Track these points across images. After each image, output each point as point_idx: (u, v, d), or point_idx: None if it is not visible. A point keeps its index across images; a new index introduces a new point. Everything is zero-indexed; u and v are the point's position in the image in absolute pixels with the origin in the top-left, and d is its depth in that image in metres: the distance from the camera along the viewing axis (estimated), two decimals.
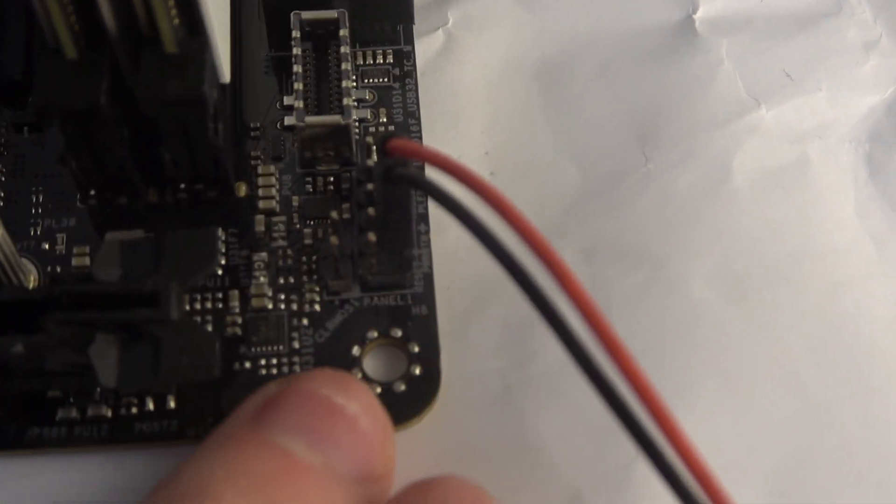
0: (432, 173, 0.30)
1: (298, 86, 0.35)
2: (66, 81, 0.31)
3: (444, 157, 0.29)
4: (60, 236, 0.35)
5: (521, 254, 0.28)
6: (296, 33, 0.36)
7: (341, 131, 0.35)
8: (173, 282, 0.31)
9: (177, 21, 0.31)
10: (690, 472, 0.27)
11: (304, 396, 0.29)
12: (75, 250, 0.35)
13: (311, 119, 0.34)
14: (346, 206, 0.35)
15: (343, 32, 0.36)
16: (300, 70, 0.35)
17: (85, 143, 0.33)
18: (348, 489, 0.28)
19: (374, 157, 0.35)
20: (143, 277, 0.31)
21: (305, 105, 0.35)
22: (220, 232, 0.32)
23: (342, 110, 0.35)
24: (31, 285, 0.34)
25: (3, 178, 0.36)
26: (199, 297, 0.34)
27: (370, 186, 0.33)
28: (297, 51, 0.35)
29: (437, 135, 0.37)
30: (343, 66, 0.35)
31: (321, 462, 0.28)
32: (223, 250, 0.34)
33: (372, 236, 0.33)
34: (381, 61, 0.38)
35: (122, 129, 0.33)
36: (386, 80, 0.38)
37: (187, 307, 0.34)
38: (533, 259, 0.28)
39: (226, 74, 0.34)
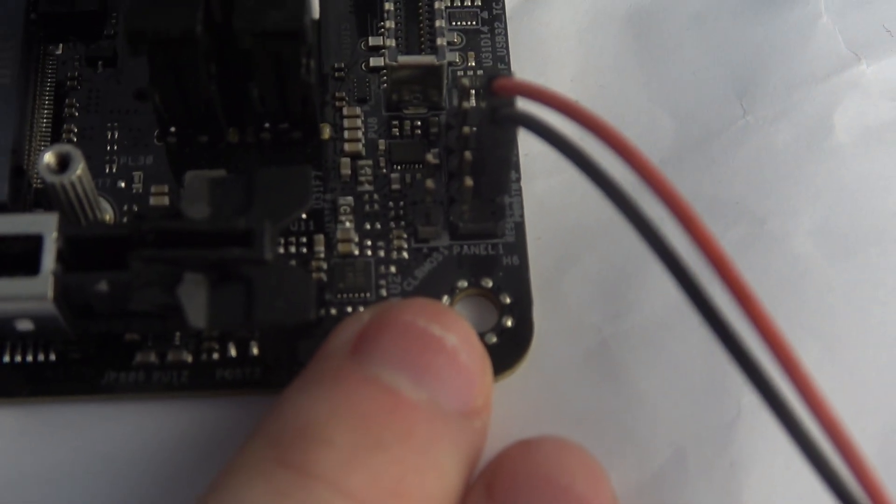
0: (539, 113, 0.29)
1: (389, 24, 0.34)
2: (161, 8, 0.30)
3: (556, 94, 0.28)
4: (137, 174, 0.34)
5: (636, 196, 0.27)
6: None
7: (434, 73, 0.34)
8: (266, 221, 0.29)
9: None
10: (818, 419, 0.25)
11: (402, 328, 0.28)
12: (153, 189, 0.34)
13: (404, 59, 0.33)
14: (434, 150, 0.34)
15: None
16: (391, 7, 0.34)
17: (172, 75, 0.32)
18: (453, 424, 0.28)
19: (466, 100, 0.33)
20: (234, 216, 0.30)
21: (396, 44, 0.33)
22: (310, 171, 0.31)
23: (435, 51, 0.33)
24: None
25: (77, 114, 0.35)
26: (282, 240, 0.33)
27: (465, 130, 0.32)
28: None
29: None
30: (436, 4, 0.34)
31: (426, 398, 0.27)
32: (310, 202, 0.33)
33: (468, 181, 0.31)
34: (470, 3, 0.37)
35: (211, 62, 0.31)
36: (474, 23, 0.36)
37: None
38: (649, 202, 0.26)
39: (316, 10, 0.32)
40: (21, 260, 0.29)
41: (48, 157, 0.30)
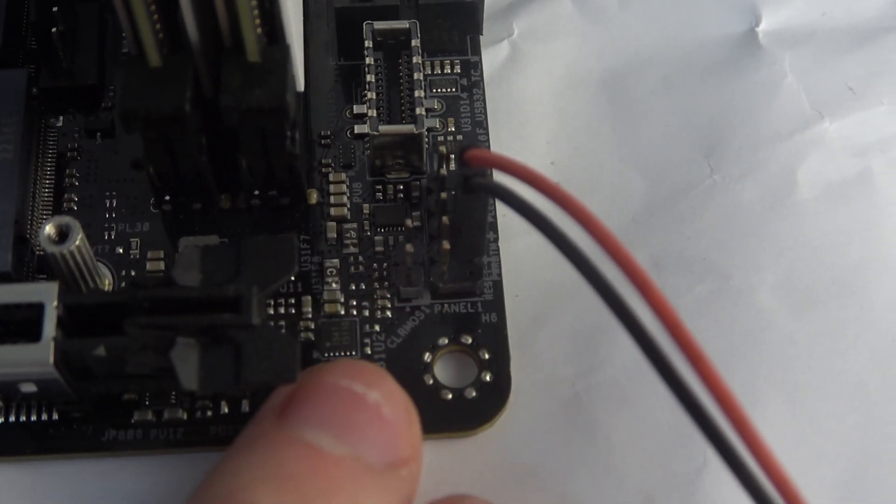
0: (507, 181, 0.31)
1: (371, 95, 0.35)
2: (151, 88, 0.32)
3: (523, 166, 0.30)
4: (134, 241, 0.36)
5: (598, 261, 0.28)
6: (368, 43, 0.36)
7: (413, 140, 0.35)
8: (254, 287, 0.31)
9: (259, 30, 0.31)
10: (767, 474, 0.27)
11: (324, 389, 0.30)
12: (149, 255, 0.35)
13: (384, 128, 0.35)
14: (416, 213, 0.35)
15: (415, 43, 0.36)
16: (373, 79, 0.36)
17: (164, 148, 0.33)
18: (378, 476, 0.29)
19: (444, 166, 0.35)
20: (223, 283, 0.31)
21: (378, 114, 0.35)
22: (294, 240, 0.33)
23: (414, 119, 0.35)
24: (106, 289, 0.35)
25: (77, 183, 0.37)
26: (272, 302, 0.34)
27: (443, 195, 0.34)
28: (369, 60, 0.36)
29: (503, 145, 0.37)
30: (415, 75, 0.35)
31: (350, 454, 0.29)
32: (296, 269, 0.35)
33: (446, 244, 0.33)
34: (450, 71, 0.38)
35: (201, 135, 0.33)
36: (454, 89, 0.38)
37: None
38: (611, 266, 0.28)
39: (301, 83, 0.34)
40: (23, 327, 0.31)
41: (48, 229, 0.32)
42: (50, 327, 0.31)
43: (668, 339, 0.27)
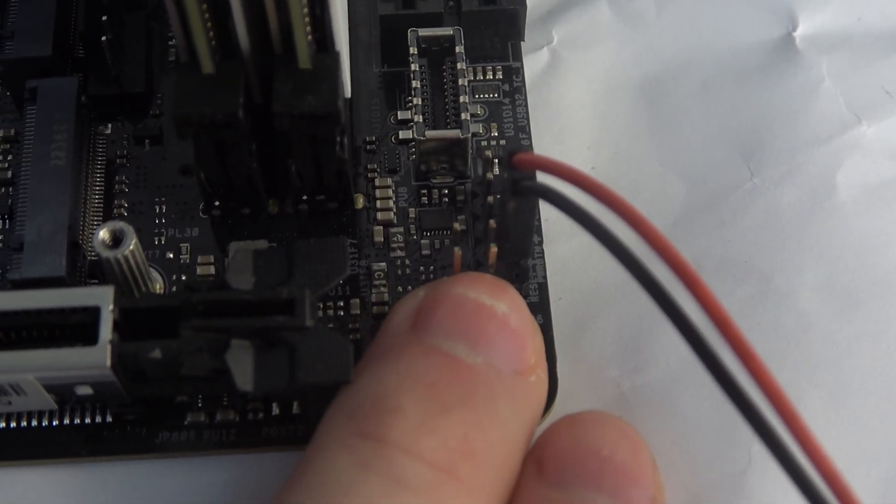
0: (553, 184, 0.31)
1: (417, 100, 0.36)
2: (205, 94, 0.32)
3: (570, 168, 0.30)
4: (184, 246, 0.36)
5: (646, 260, 0.29)
6: (413, 49, 0.37)
7: (458, 145, 0.36)
8: (307, 289, 0.32)
9: (310, 38, 0.32)
10: (816, 468, 0.27)
11: (454, 300, 0.31)
12: (199, 259, 0.36)
13: (431, 133, 0.35)
14: (461, 217, 0.36)
15: (459, 49, 0.37)
16: (418, 85, 0.36)
17: (215, 154, 0.34)
18: (509, 382, 0.30)
19: (490, 170, 0.36)
20: (276, 285, 0.32)
21: (423, 119, 0.36)
22: (346, 242, 0.33)
23: (459, 124, 0.35)
24: (158, 293, 0.35)
25: (127, 189, 0.37)
26: (321, 305, 0.35)
27: (489, 199, 0.34)
28: (414, 66, 0.36)
29: (545, 149, 0.38)
30: (459, 81, 0.36)
31: (484, 362, 0.30)
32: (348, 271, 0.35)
33: (493, 248, 0.34)
34: (492, 77, 0.39)
35: (251, 141, 0.34)
36: (496, 95, 0.39)
37: None
38: (657, 265, 0.28)
39: (348, 90, 0.35)
40: (79, 330, 0.32)
41: (103, 234, 0.33)
42: (106, 330, 0.31)
43: (715, 335, 0.28)
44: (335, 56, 0.33)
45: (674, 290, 0.28)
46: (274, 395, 0.34)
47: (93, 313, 0.32)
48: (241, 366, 0.31)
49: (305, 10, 0.31)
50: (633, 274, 0.29)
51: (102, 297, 0.32)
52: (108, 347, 0.31)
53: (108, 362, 0.31)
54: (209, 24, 0.32)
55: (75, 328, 0.32)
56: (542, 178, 0.31)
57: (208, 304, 0.32)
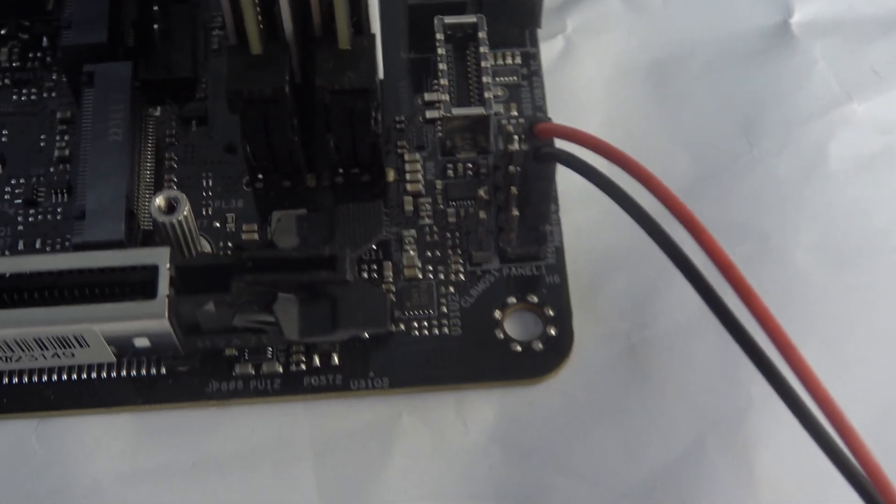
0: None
1: (444, 81, 0.39)
2: (254, 72, 0.36)
3: (589, 135, 0.34)
4: (230, 215, 0.39)
5: (659, 217, 0.32)
6: (439, 35, 0.40)
7: (482, 121, 0.39)
8: (346, 248, 0.35)
9: (349, 21, 0.35)
10: (811, 395, 0.30)
11: None
12: (244, 228, 0.39)
13: (457, 110, 0.39)
14: (484, 188, 0.39)
15: (482, 35, 0.40)
16: (444, 67, 0.39)
17: (261, 129, 0.37)
18: None
19: (511, 143, 0.39)
20: (319, 245, 0.35)
21: (451, 98, 0.39)
22: (381, 206, 0.37)
23: (483, 103, 0.39)
24: None
25: (175, 165, 0.40)
26: (356, 268, 0.38)
27: (511, 169, 0.37)
28: (441, 51, 0.39)
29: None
30: (483, 63, 0.39)
31: None
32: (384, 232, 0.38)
33: (515, 211, 0.37)
34: (511, 62, 0.42)
35: (294, 116, 0.37)
36: (515, 78, 0.42)
37: None
38: (670, 221, 0.32)
39: (381, 72, 0.38)
40: (139, 287, 0.35)
41: (159, 201, 0.36)
42: (164, 286, 0.34)
43: (721, 283, 0.31)
44: (371, 38, 0.36)
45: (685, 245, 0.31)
46: (315, 347, 0.37)
47: (151, 271, 0.35)
48: (288, 316, 0.35)
49: None
50: (648, 231, 0.32)
51: (160, 257, 0.35)
52: (166, 301, 0.34)
53: (166, 314, 0.34)
54: (258, 9, 0.35)
55: (135, 285, 0.35)
56: (562, 146, 0.35)
57: (257, 261, 0.35)
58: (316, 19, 0.36)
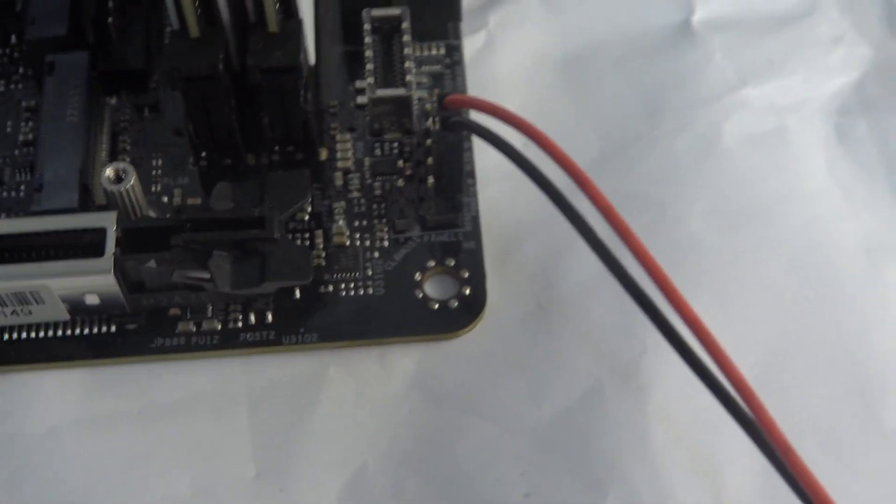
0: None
1: (370, 66, 0.43)
2: (192, 53, 0.40)
3: (493, 103, 0.38)
4: (177, 191, 0.43)
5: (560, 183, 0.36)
6: (367, 26, 0.44)
7: (405, 103, 0.43)
8: (275, 210, 0.39)
9: (277, 6, 0.39)
10: (699, 339, 0.34)
11: None
12: (189, 201, 0.43)
13: (381, 91, 0.42)
14: (407, 163, 0.43)
15: (405, 25, 0.44)
16: (371, 54, 0.43)
17: (202, 108, 0.41)
18: None
19: (429, 120, 0.42)
20: (250, 208, 0.39)
21: (375, 81, 0.43)
22: (309, 173, 0.40)
23: (405, 85, 0.43)
24: None
25: (128, 148, 0.44)
26: (290, 236, 0.42)
27: (428, 142, 0.41)
28: (368, 39, 0.43)
29: (481, 116, 0.45)
30: (405, 50, 0.43)
31: None
32: (310, 197, 0.42)
33: (430, 180, 0.41)
34: (435, 52, 0.46)
35: (231, 96, 0.41)
36: (439, 67, 0.46)
37: None
38: (570, 186, 0.36)
39: (312, 58, 0.42)
40: (89, 248, 0.39)
41: (109, 171, 0.40)
42: (111, 245, 0.38)
43: (619, 246, 0.35)
44: (298, 23, 0.40)
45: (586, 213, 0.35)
46: (250, 305, 0.41)
47: (100, 233, 0.38)
48: (221, 271, 0.38)
49: None
50: (547, 193, 0.36)
51: (107, 220, 0.39)
52: (112, 258, 0.38)
53: (112, 270, 0.38)
54: None
55: (86, 246, 0.38)
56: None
57: (195, 222, 0.39)
58: (249, 5, 0.39)
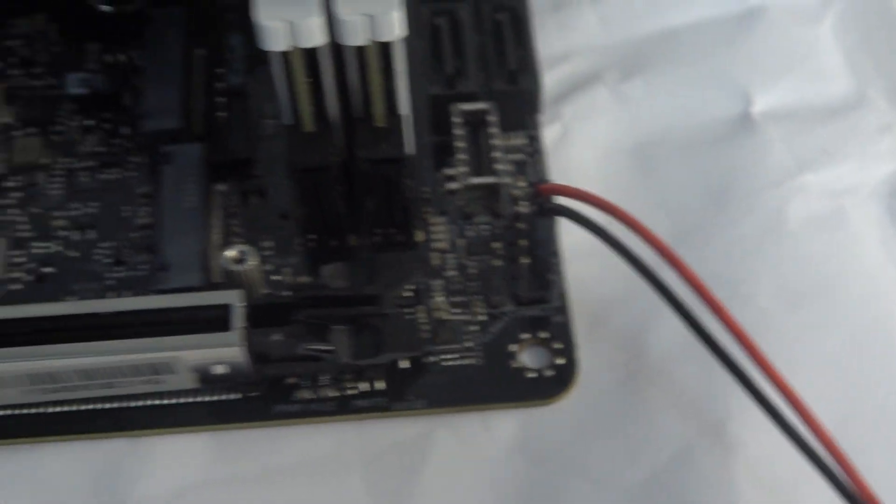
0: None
1: (462, 156, 0.47)
2: (307, 147, 0.43)
3: (586, 191, 0.41)
4: (286, 270, 0.47)
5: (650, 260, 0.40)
6: (457, 119, 0.48)
7: (494, 189, 0.47)
8: (387, 288, 0.43)
9: (384, 103, 0.43)
10: (785, 398, 0.38)
11: None
12: (298, 279, 0.46)
13: (474, 179, 0.46)
14: (499, 244, 0.47)
15: (491, 118, 0.48)
16: (461, 145, 0.47)
17: (313, 195, 0.45)
18: None
19: (517, 207, 0.46)
20: (363, 286, 0.43)
21: (468, 170, 0.47)
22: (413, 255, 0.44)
23: (495, 173, 0.47)
24: None
25: (239, 230, 0.48)
26: (395, 306, 0.45)
27: (519, 225, 0.45)
28: (458, 131, 0.47)
29: (560, 199, 0.49)
30: (493, 141, 0.47)
31: None
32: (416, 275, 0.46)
33: (524, 260, 0.45)
34: (518, 143, 0.50)
35: (339, 185, 0.45)
36: (522, 155, 0.50)
37: None
38: (660, 262, 0.39)
39: (412, 148, 0.46)
40: (216, 323, 0.42)
41: (230, 253, 0.43)
42: (238, 320, 0.42)
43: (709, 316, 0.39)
44: (400, 118, 0.44)
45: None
46: (362, 375, 0.44)
47: (227, 309, 0.42)
48: (342, 343, 0.42)
49: (381, 85, 0.43)
50: (638, 271, 0.40)
51: (233, 297, 0.42)
52: (240, 332, 0.41)
53: (240, 343, 0.41)
54: (311, 98, 0.43)
55: (214, 321, 0.42)
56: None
57: (314, 299, 0.42)
58: (355, 103, 0.43)
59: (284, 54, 0.40)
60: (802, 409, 0.38)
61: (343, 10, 0.38)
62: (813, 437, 0.38)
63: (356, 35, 0.39)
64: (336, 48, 0.40)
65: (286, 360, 0.43)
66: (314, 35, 0.39)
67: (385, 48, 0.40)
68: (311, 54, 0.40)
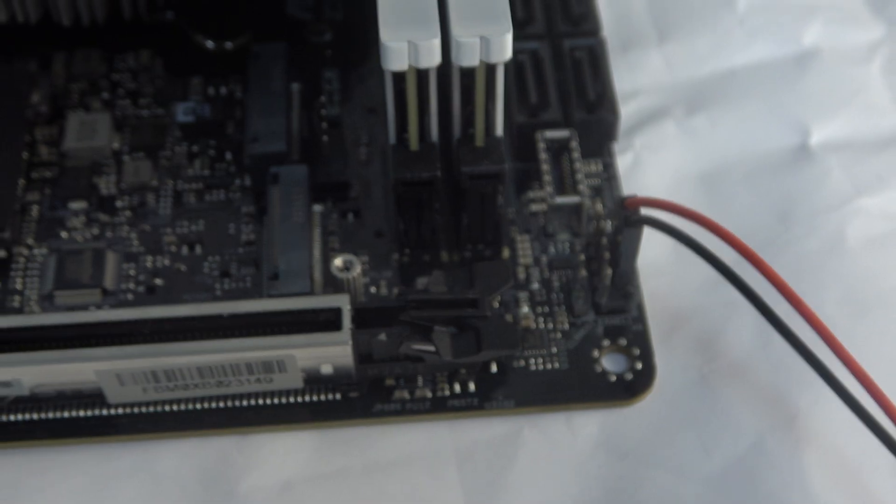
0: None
1: (548, 178, 0.51)
2: (413, 164, 0.47)
3: (670, 201, 0.45)
4: (382, 282, 0.50)
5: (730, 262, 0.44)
6: (542, 145, 0.52)
7: (577, 208, 0.51)
8: (485, 292, 0.46)
9: (483, 125, 0.47)
10: (866, 389, 0.41)
11: None
12: (394, 291, 0.50)
13: (559, 199, 0.50)
14: (581, 259, 0.51)
15: (574, 144, 0.52)
16: (546, 167, 0.51)
17: (414, 210, 0.49)
18: None
19: (598, 222, 0.50)
20: (464, 290, 0.47)
21: (552, 191, 0.51)
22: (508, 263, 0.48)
23: (580, 194, 0.50)
24: None
25: (337, 246, 0.52)
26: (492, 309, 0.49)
27: (602, 241, 0.49)
28: (543, 156, 0.51)
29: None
30: (575, 165, 0.51)
31: None
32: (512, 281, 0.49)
33: (607, 271, 0.48)
34: (595, 169, 0.54)
35: (439, 201, 0.49)
36: (598, 181, 0.54)
37: None
38: (742, 263, 0.43)
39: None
40: (325, 325, 0.46)
41: (338, 261, 0.47)
42: (347, 321, 0.45)
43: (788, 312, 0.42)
44: (499, 139, 0.48)
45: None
46: (456, 376, 0.48)
47: (336, 312, 0.46)
48: (444, 343, 0.46)
49: (484, 105, 0.46)
50: (721, 272, 0.44)
51: (342, 301, 0.46)
52: (349, 331, 0.45)
53: (349, 342, 0.45)
54: (417, 120, 0.47)
55: (324, 322, 0.45)
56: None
57: (418, 302, 0.46)
58: (456, 125, 0.47)
59: (399, 74, 0.43)
60: (881, 395, 0.41)
61: (460, 32, 0.42)
62: (892, 424, 0.41)
63: (470, 56, 0.42)
64: (443, 70, 0.44)
65: (389, 361, 0.46)
66: (433, 55, 0.42)
67: (490, 70, 0.44)
68: (422, 75, 0.44)
